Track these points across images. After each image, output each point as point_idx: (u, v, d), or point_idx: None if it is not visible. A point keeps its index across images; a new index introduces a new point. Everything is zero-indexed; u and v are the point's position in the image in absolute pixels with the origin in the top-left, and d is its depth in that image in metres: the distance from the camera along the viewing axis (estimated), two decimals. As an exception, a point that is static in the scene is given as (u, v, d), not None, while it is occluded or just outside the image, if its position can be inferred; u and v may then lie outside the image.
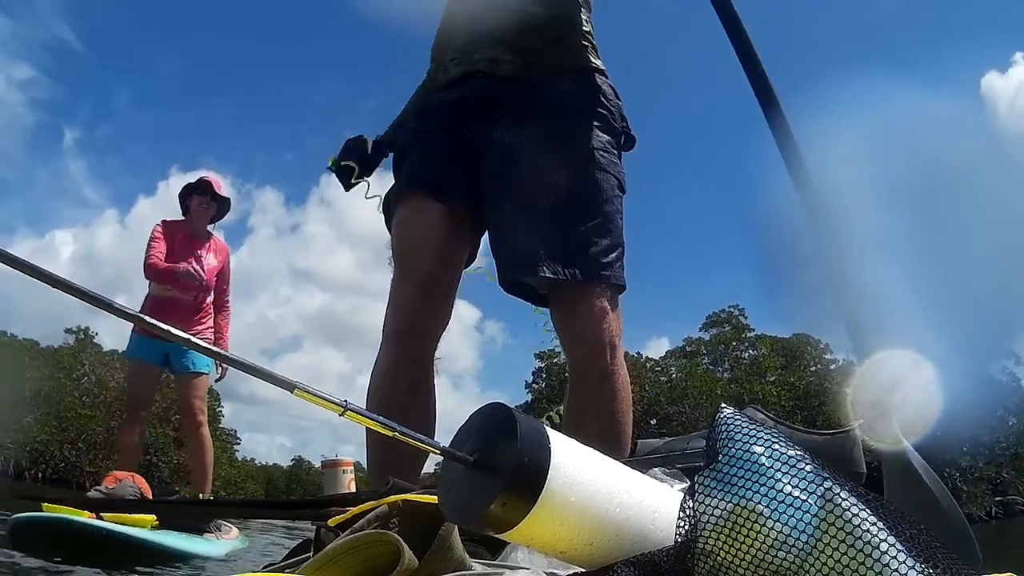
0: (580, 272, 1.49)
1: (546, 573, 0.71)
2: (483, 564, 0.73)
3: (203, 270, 4.18)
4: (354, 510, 0.81)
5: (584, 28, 1.63)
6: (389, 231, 1.68)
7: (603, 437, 1.48)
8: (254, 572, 0.73)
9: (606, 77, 1.64)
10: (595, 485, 0.60)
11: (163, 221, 4.28)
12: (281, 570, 0.79)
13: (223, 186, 4.42)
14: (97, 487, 3.53)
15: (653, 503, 0.64)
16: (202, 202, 4.26)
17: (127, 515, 3.20)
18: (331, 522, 0.81)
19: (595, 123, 1.57)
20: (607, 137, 1.58)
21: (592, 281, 1.52)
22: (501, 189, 1.55)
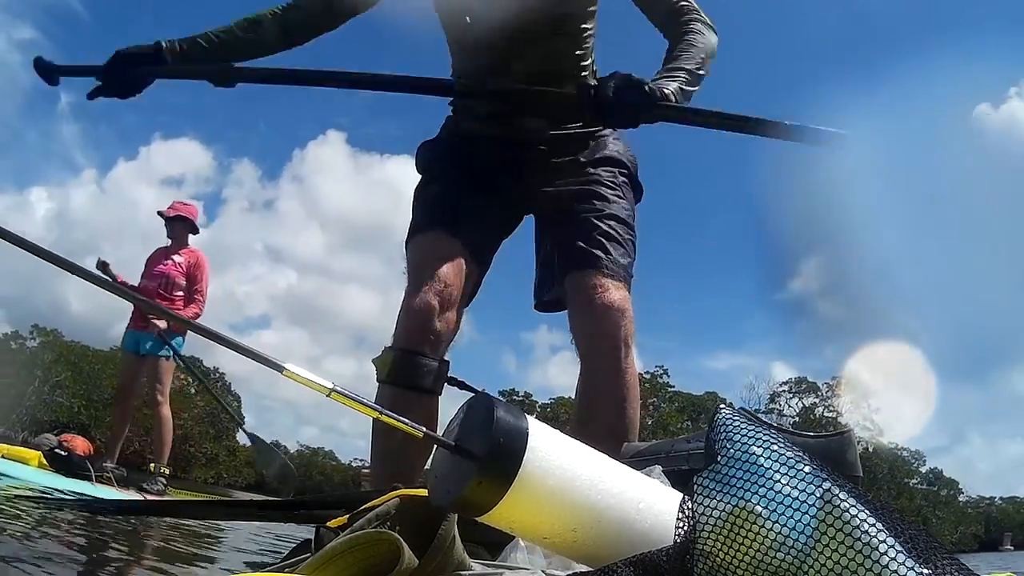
0: (603, 265, 1.67)
1: (545, 573, 0.71)
2: (483, 564, 0.74)
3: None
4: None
5: None
6: (406, 253, 1.78)
7: (612, 432, 1.53)
8: (254, 572, 0.73)
9: (618, 136, 1.92)
10: (575, 471, 0.62)
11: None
12: (280, 570, 0.79)
13: (178, 207, 5.43)
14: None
15: (637, 494, 0.65)
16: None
17: (16, 449, 4.26)
18: (331, 523, 0.81)
19: (610, 169, 1.83)
20: (621, 179, 1.84)
21: (613, 274, 1.65)
22: (546, 222, 1.85)
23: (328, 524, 0.82)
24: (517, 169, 1.80)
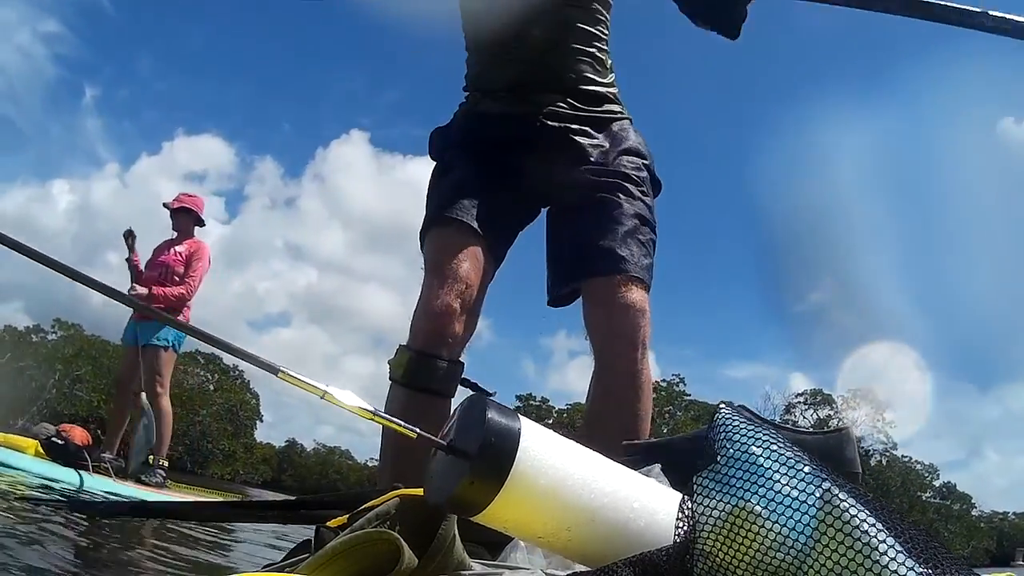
0: (628, 268, 1.66)
1: (545, 573, 0.71)
2: (483, 564, 0.74)
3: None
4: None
5: (614, 83, 1.91)
6: (422, 246, 1.77)
7: (624, 432, 1.52)
8: (254, 572, 0.73)
9: (632, 121, 1.89)
10: (568, 470, 0.62)
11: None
12: (281, 570, 0.79)
13: (183, 199, 5.48)
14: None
15: (633, 493, 0.65)
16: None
17: (12, 437, 4.26)
18: (331, 523, 0.81)
19: (634, 160, 1.81)
20: (644, 174, 1.81)
21: (636, 277, 1.65)
22: (565, 213, 1.80)
23: (328, 524, 0.82)
24: (537, 149, 1.77)
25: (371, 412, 0.64)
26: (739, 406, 0.74)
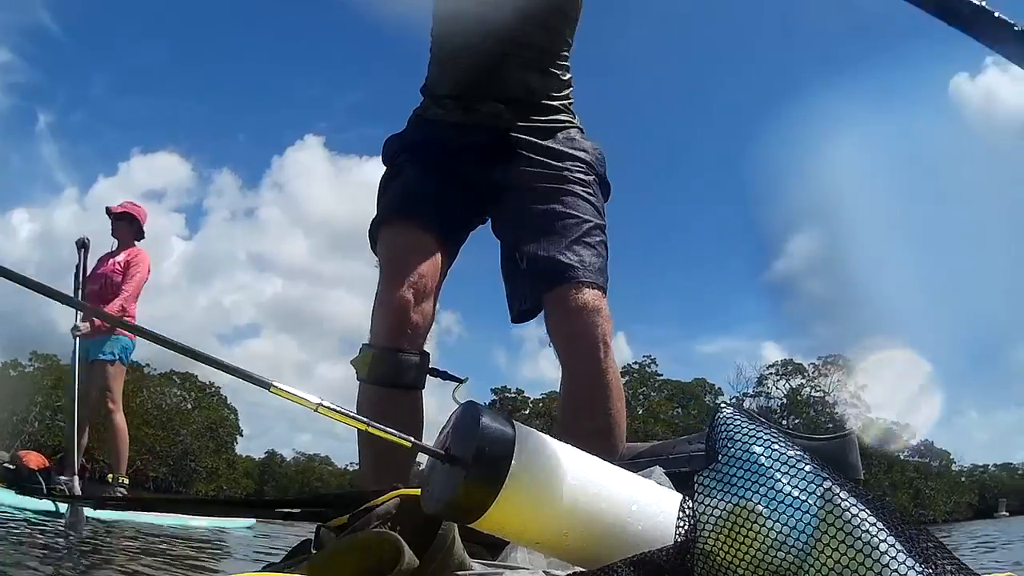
0: (578, 275, 1.66)
1: (545, 573, 0.71)
2: (483, 564, 0.74)
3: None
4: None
5: (569, 96, 1.94)
6: (373, 247, 1.79)
7: (599, 432, 1.55)
8: (254, 572, 0.73)
9: (583, 131, 1.93)
10: (564, 476, 0.62)
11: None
12: (281, 570, 0.79)
13: (127, 206, 5.38)
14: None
15: (631, 496, 0.65)
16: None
17: None
18: (331, 523, 0.81)
19: (580, 166, 1.83)
20: (591, 177, 1.84)
21: (586, 281, 1.66)
22: (512, 224, 1.81)
23: (328, 524, 0.82)
24: (482, 155, 1.80)
25: (365, 423, 0.64)
26: (735, 399, 0.75)
